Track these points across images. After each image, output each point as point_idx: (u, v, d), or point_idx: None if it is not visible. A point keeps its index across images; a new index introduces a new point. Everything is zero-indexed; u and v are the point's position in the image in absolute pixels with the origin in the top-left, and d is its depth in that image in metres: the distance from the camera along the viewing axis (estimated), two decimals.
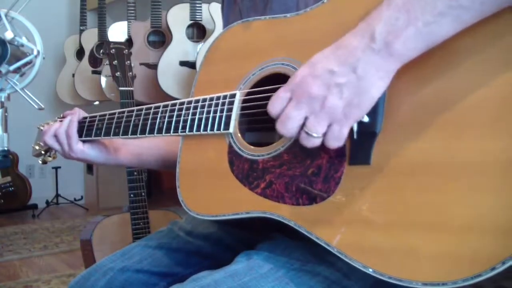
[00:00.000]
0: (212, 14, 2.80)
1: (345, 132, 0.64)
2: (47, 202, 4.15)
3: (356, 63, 0.61)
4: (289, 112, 0.65)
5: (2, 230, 3.48)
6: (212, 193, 0.84)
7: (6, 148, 1.00)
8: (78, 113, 1.09)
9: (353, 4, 0.72)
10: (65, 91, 4.02)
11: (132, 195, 1.89)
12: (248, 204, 0.77)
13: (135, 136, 0.98)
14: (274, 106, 0.66)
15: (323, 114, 0.63)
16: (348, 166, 0.68)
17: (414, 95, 0.64)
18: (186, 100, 0.91)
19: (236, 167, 0.81)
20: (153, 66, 2.92)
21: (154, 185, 4.34)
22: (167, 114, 0.92)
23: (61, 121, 1.10)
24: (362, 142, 0.66)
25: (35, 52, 0.99)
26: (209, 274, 0.77)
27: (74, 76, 3.87)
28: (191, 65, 2.82)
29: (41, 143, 1.20)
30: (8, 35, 0.95)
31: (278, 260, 0.77)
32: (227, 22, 1.07)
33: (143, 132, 0.96)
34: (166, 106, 0.93)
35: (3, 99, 1.01)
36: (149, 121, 0.95)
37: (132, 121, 0.98)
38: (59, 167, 4.13)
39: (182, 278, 0.82)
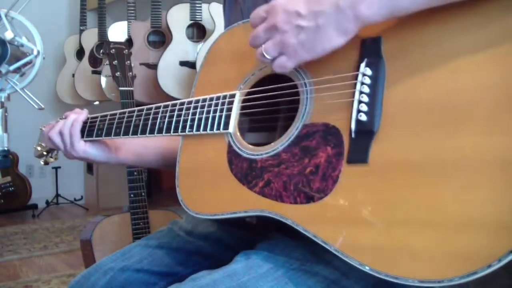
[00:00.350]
0: (212, 14, 2.80)
1: (290, 65, 0.72)
2: (47, 202, 4.15)
3: (320, 14, 0.67)
4: (258, 31, 0.75)
5: (2, 230, 3.48)
6: (211, 193, 0.84)
7: (6, 148, 1.01)
8: (84, 114, 1.10)
9: None
10: (65, 91, 4.02)
11: (132, 195, 1.89)
12: (247, 203, 0.78)
13: (136, 136, 0.98)
14: (253, 19, 0.76)
15: (278, 44, 0.72)
16: (346, 164, 0.68)
17: (411, 94, 0.65)
18: (186, 100, 0.91)
19: (235, 166, 0.81)
20: (153, 66, 2.91)
21: (154, 185, 4.34)
22: (167, 114, 0.93)
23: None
24: (360, 140, 0.67)
25: (35, 52, 0.99)
26: (208, 274, 0.77)
27: (74, 76, 3.87)
28: (191, 65, 2.82)
29: (43, 144, 1.21)
30: (8, 35, 0.95)
31: (277, 260, 0.77)
32: (228, 22, 1.07)
33: (143, 132, 0.96)
34: (167, 106, 0.94)
35: (3, 99, 1.01)
36: (150, 121, 0.96)
37: (133, 122, 0.99)
38: (59, 167, 4.13)
39: (182, 278, 0.82)
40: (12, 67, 0.97)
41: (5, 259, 2.91)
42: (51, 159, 1.24)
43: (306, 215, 0.71)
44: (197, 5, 2.90)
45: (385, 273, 0.61)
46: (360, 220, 0.65)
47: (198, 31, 2.99)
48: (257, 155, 0.79)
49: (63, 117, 1.13)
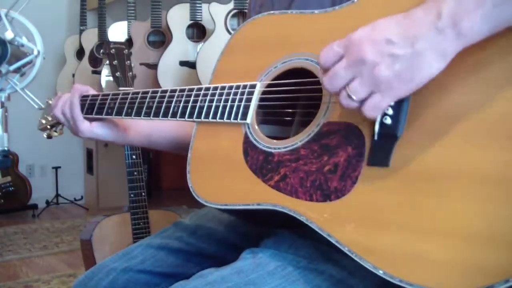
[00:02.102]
0: (212, 14, 2.80)
1: (385, 104, 0.63)
2: (47, 202, 4.15)
3: (416, 38, 0.60)
4: (338, 70, 0.64)
5: (2, 230, 3.48)
6: (223, 182, 0.83)
7: (6, 148, 1.01)
8: (79, 93, 1.08)
9: (382, 6, 0.71)
10: (65, 91, 3.99)
11: (132, 195, 1.88)
12: (260, 195, 0.76)
13: (148, 118, 0.97)
14: (326, 58, 0.66)
15: (369, 81, 0.62)
16: (366, 166, 0.67)
17: (437, 103, 0.64)
18: (203, 86, 0.90)
19: (251, 157, 0.80)
20: (153, 66, 2.92)
21: (154, 185, 4.34)
22: (183, 99, 0.91)
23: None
24: (383, 144, 0.66)
25: (35, 52, 0.99)
26: (215, 270, 0.76)
27: (74, 76, 3.87)
28: (191, 65, 2.82)
29: (49, 118, 1.19)
30: (8, 35, 0.96)
31: (285, 258, 0.76)
32: (256, 11, 1.04)
33: (156, 115, 0.95)
34: (183, 90, 0.92)
35: (3, 99, 1.02)
36: (164, 104, 0.94)
37: (146, 103, 0.97)
38: (59, 167, 4.13)
39: (185, 279, 0.82)
40: (12, 67, 0.97)
41: (5, 259, 2.91)
42: (55, 133, 1.21)
43: (321, 213, 0.69)
44: (197, 5, 2.90)
45: (399, 279, 0.60)
46: (377, 223, 0.64)
47: (198, 31, 2.99)
48: (275, 148, 0.78)
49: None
